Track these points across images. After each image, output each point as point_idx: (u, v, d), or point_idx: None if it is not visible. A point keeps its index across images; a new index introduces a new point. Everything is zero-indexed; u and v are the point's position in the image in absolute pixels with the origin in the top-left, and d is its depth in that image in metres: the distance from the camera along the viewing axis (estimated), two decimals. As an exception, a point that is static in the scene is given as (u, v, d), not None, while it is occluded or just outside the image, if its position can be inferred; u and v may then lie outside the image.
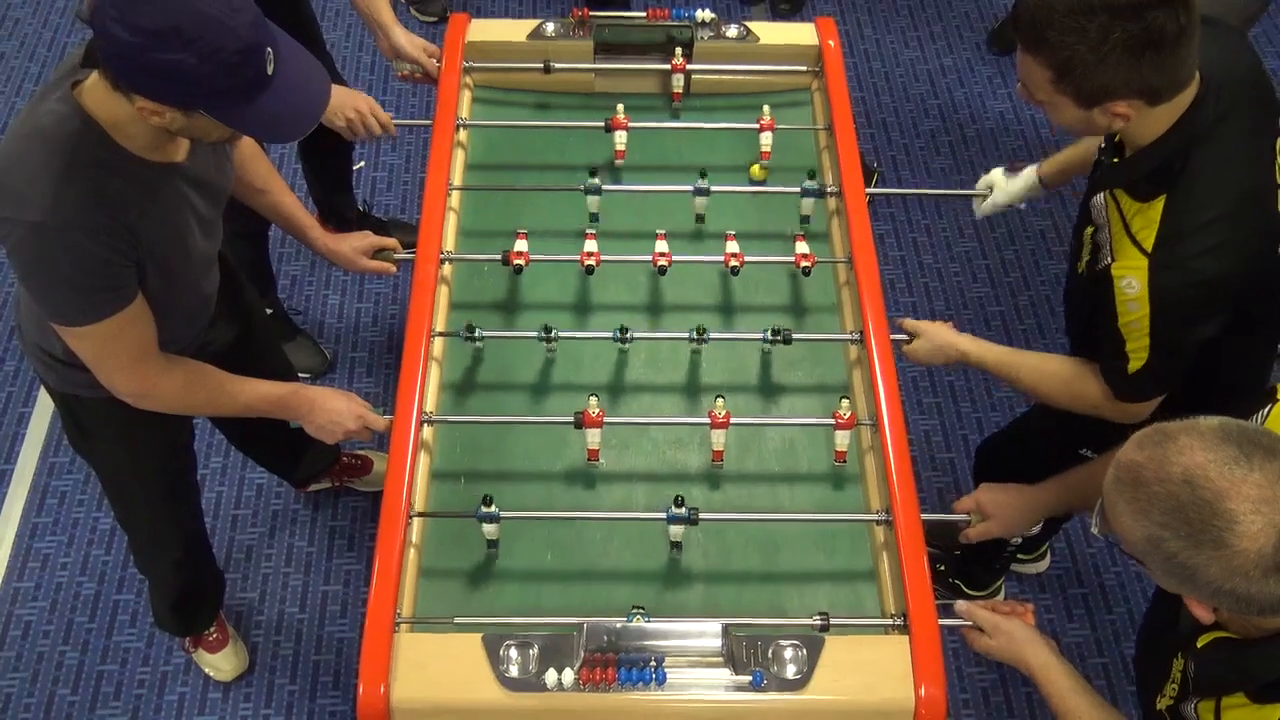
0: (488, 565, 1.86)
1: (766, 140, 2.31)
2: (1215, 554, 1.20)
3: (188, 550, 2.41)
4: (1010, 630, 1.68)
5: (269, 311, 3.06)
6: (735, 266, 2.09)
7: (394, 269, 2.26)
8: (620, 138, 2.30)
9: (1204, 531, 1.20)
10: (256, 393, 1.95)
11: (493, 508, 1.79)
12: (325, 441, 2.02)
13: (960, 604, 1.75)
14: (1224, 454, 1.21)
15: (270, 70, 1.54)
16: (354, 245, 2.22)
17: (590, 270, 2.09)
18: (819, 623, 1.69)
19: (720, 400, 1.91)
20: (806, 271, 2.10)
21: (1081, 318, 1.93)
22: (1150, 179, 1.70)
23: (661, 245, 2.09)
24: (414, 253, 2.13)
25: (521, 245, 2.09)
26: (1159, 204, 1.69)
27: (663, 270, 2.08)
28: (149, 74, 1.49)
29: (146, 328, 1.77)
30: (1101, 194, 1.80)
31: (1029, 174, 2.29)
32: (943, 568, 2.76)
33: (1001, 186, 2.33)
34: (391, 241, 2.25)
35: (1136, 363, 1.76)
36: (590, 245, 2.09)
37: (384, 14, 2.48)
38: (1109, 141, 1.84)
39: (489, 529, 1.83)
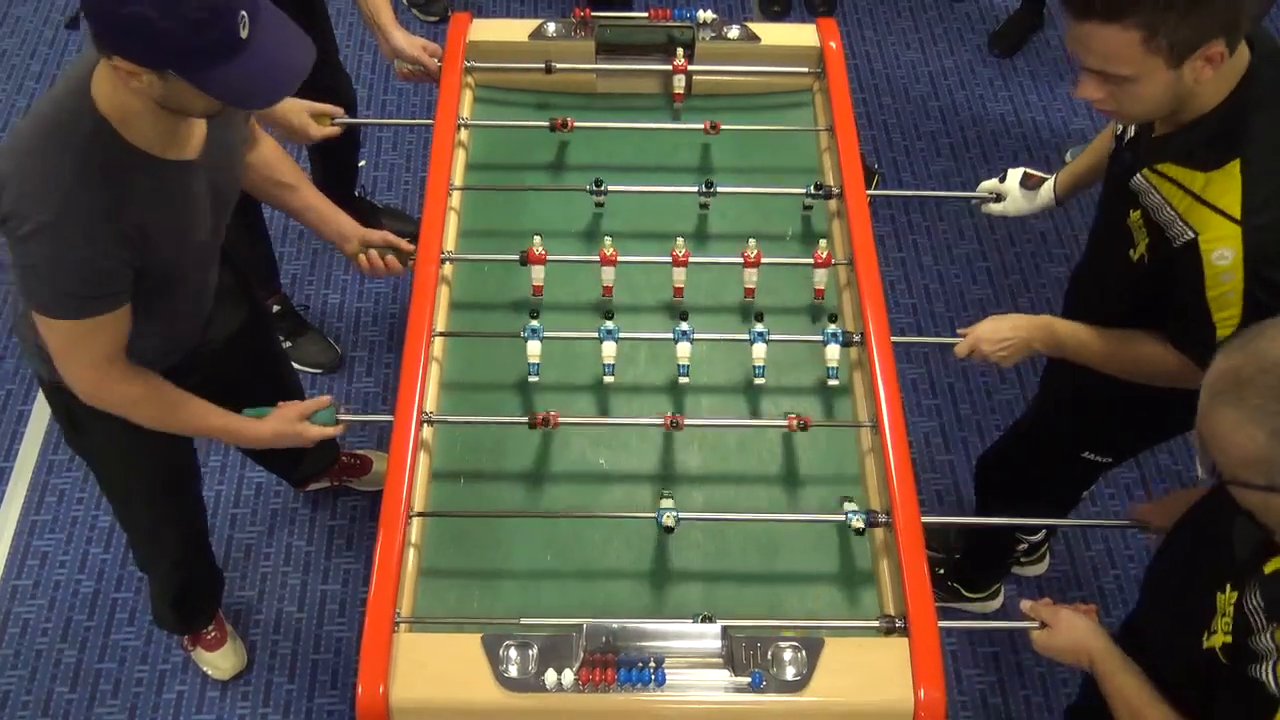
0: (487, 565, 1.86)
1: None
2: None
3: (186, 548, 2.41)
4: (1073, 622, 1.68)
5: (275, 309, 3.06)
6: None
7: (401, 270, 2.24)
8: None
9: None
10: (207, 422, 1.93)
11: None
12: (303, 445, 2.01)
13: (1025, 603, 1.75)
14: None
15: (244, 34, 1.52)
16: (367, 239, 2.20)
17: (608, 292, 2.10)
18: (882, 625, 1.71)
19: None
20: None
21: (1140, 305, 1.88)
22: (1212, 145, 1.66)
23: (679, 247, 2.09)
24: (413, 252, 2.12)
25: (538, 245, 2.08)
26: (1233, 169, 1.64)
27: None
28: (115, 28, 1.48)
29: (120, 333, 1.76)
30: (1139, 175, 1.76)
31: (1046, 191, 2.27)
32: (941, 571, 2.76)
33: (1015, 198, 2.30)
34: (409, 246, 2.24)
35: (1225, 330, 1.71)
36: (607, 249, 2.09)
37: (384, 16, 2.50)
38: (1124, 130, 1.82)
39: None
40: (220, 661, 2.64)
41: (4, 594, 2.78)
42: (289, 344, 3.09)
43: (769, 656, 1.65)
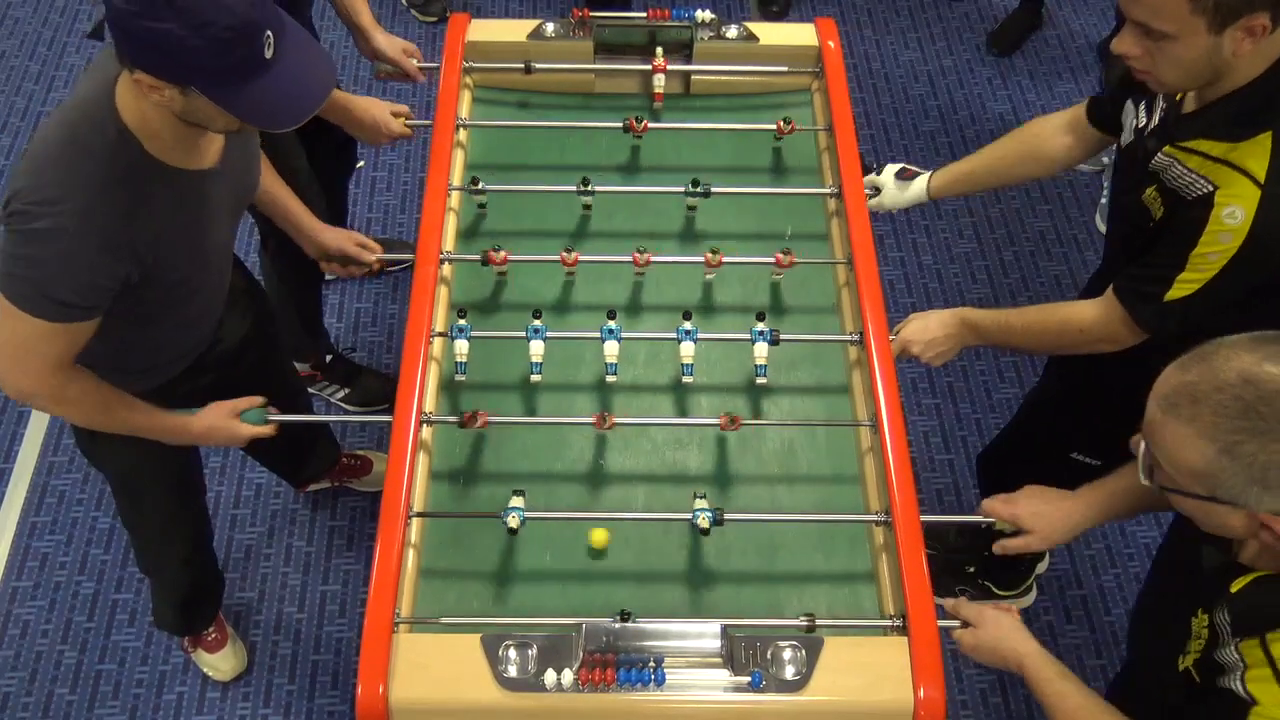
0: (487, 565, 1.86)
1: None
2: None
3: (196, 548, 2.42)
4: (997, 619, 1.68)
5: (329, 358, 3.04)
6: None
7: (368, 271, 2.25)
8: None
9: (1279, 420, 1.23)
10: (139, 420, 1.90)
11: (519, 501, 1.79)
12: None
13: (948, 601, 1.75)
14: (1268, 350, 1.25)
15: (269, 54, 1.53)
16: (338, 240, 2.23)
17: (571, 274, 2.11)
18: (805, 623, 1.69)
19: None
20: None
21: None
22: (1243, 119, 1.66)
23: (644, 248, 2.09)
24: (412, 256, 2.12)
25: (501, 249, 2.09)
26: (1264, 139, 1.64)
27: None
28: (140, 43, 1.48)
29: (80, 343, 1.74)
30: (1160, 153, 1.76)
31: (919, 185, 2.27)
32: (972, 569, 2.74)
33: (890, 190, 2.30)
34: (375, 246, 2.24)
35: (1179, 291, 1.72)
36: (570, 254, 2.09)
37: (363, 17, 2.51)
38: (1149, 114, 1.82)
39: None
40: (220, 663, 2.64)
41: (4, 595, 2.78)
42: (347, 389, 3.07)
43: (768, 656, 1.65)
